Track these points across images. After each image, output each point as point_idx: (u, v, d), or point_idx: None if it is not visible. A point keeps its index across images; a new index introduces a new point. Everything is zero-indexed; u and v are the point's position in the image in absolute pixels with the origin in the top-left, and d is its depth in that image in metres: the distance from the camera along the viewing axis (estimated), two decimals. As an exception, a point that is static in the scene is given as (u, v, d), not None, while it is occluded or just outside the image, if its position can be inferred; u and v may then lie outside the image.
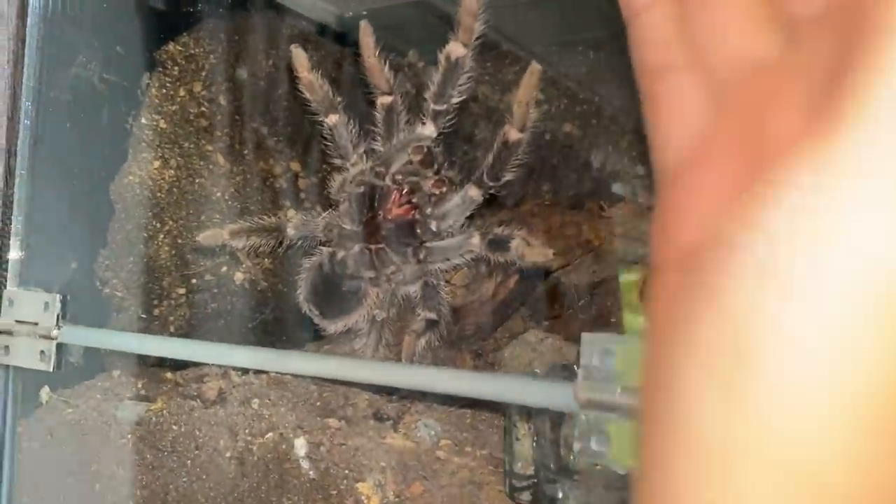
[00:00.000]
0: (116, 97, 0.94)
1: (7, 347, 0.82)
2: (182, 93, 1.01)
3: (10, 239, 0.83)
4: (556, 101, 1.08)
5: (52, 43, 0.84)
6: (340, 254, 0.69)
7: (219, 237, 0.74)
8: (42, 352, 0.80)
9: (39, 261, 0.85)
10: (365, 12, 1.04)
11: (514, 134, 0.64)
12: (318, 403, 0.71)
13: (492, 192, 0.68)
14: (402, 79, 0.94)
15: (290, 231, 0.72)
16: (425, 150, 0.65)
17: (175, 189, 1.02)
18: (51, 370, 0.79)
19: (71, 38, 0.87)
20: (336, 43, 1.09)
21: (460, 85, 0.66)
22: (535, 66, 0.63)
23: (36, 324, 0.81)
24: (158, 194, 1.00)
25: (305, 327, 0.95)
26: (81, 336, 0.80)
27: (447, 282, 0.88)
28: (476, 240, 0.67)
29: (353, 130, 0.72)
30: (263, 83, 1.07)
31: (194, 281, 1.03)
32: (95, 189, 0.92)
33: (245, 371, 0.72)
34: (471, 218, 0.70)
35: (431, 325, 0.68)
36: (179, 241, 1.02)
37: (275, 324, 1.04)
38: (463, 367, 0.77)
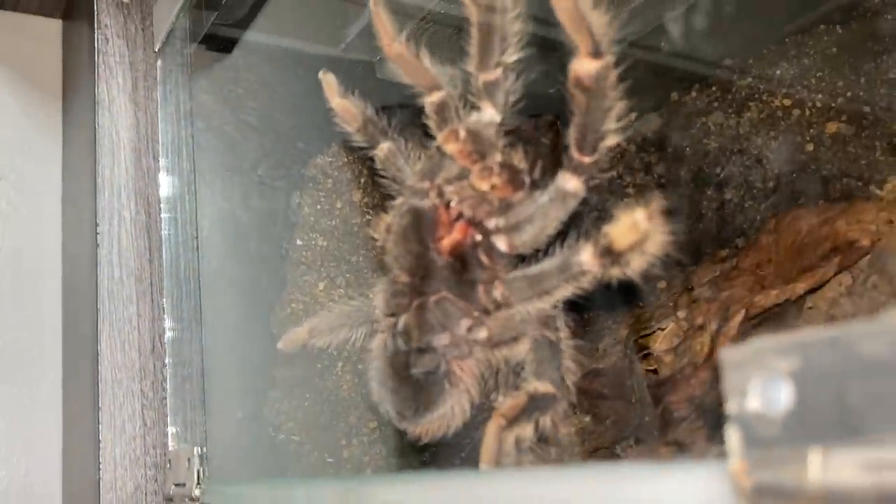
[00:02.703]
0: (264, 223, 0.87)
1: (172, 518, 0.73)
2: (339, 205, 0.92)
3: (167, 392, 0.77)
4: (808, 100, 0.83)
5: (178, 174, 0.80)
6: (401, 321, 0.47)
7: (299, 338, 0.58)
8: (196, 518, 0.69)
9: (198, 414, 0.77)
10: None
11: (587, 64, 0.38)
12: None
13: (596, 172, 0.41)
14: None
15: (378, 312, 0.52)
16: (464, 134, 0.42)
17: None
18: (201, 542, 0.68)
19: (203, 164, 0.82)
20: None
21: (513, 32, 0.43)
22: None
23: (184, 485, 0.71)
24: (329, 319, 0.89)
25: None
26: (223, 493, 0.68)
27: (644, 349, 0.58)
28: (587, 255, 0.40)
29: (414, 155, 0.52)
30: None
31: (385, 411, 0.87)
32: (253, 324, 0.85)
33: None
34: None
35: (539, 403, 0.41)
36: (360, 366, 0.88)
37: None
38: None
